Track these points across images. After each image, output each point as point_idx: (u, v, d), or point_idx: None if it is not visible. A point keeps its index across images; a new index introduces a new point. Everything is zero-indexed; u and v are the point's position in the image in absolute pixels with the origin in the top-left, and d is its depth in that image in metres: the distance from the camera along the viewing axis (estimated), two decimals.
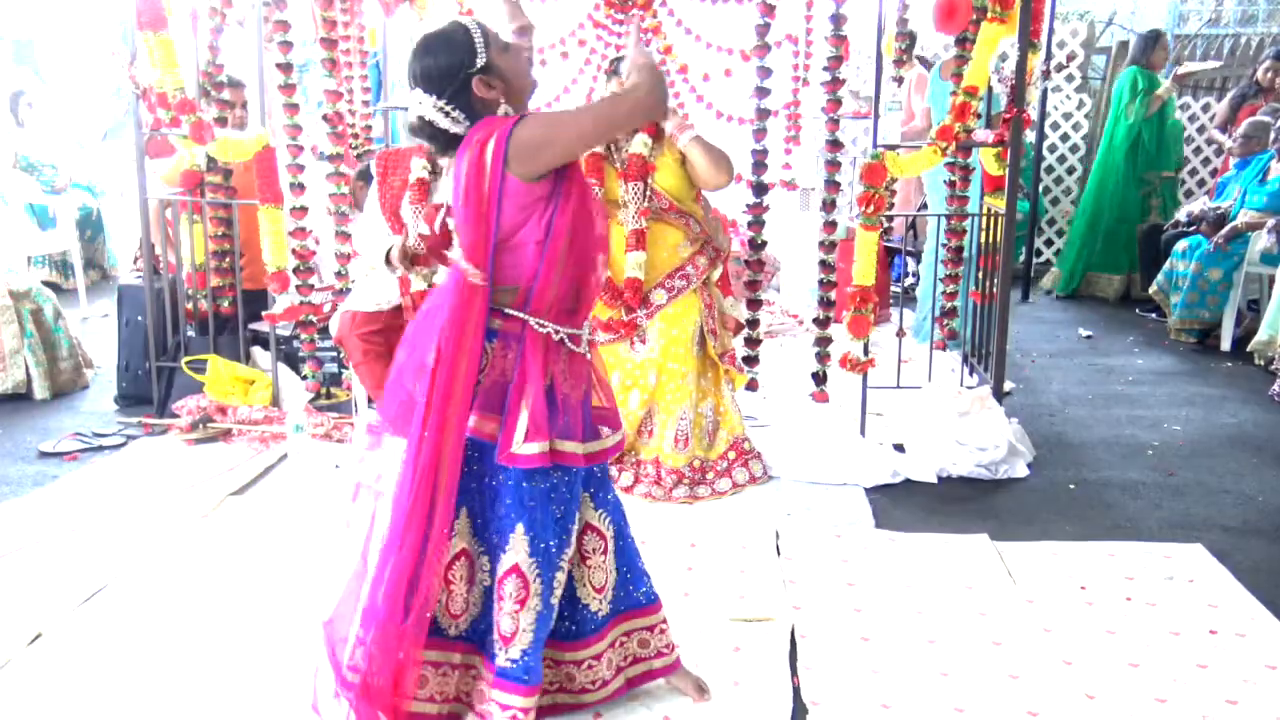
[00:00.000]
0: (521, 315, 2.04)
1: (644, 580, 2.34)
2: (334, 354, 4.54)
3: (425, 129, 2.05)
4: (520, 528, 2.07)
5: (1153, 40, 7.14)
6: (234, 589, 2.92)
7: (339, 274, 4.51)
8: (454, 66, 2.01)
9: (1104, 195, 7.23)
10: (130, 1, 4.11)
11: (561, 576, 2.15)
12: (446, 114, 2.03)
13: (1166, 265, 6.12)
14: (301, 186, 4.35)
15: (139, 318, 4.60)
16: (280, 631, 2.68)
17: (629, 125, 2.09)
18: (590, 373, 2.18)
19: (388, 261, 3.79)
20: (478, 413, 2.03)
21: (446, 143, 2.05)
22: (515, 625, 2.09)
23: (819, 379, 4.20)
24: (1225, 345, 5.76)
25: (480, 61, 2.02)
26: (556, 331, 2.07)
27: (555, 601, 2.15)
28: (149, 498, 3.55)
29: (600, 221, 2.14)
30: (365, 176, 5.01)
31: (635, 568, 2.33)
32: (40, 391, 4.67)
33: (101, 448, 4.08)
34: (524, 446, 2.01)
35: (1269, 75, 6.63)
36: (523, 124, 1.98)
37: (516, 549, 2.07)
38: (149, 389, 4.50)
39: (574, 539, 2.17)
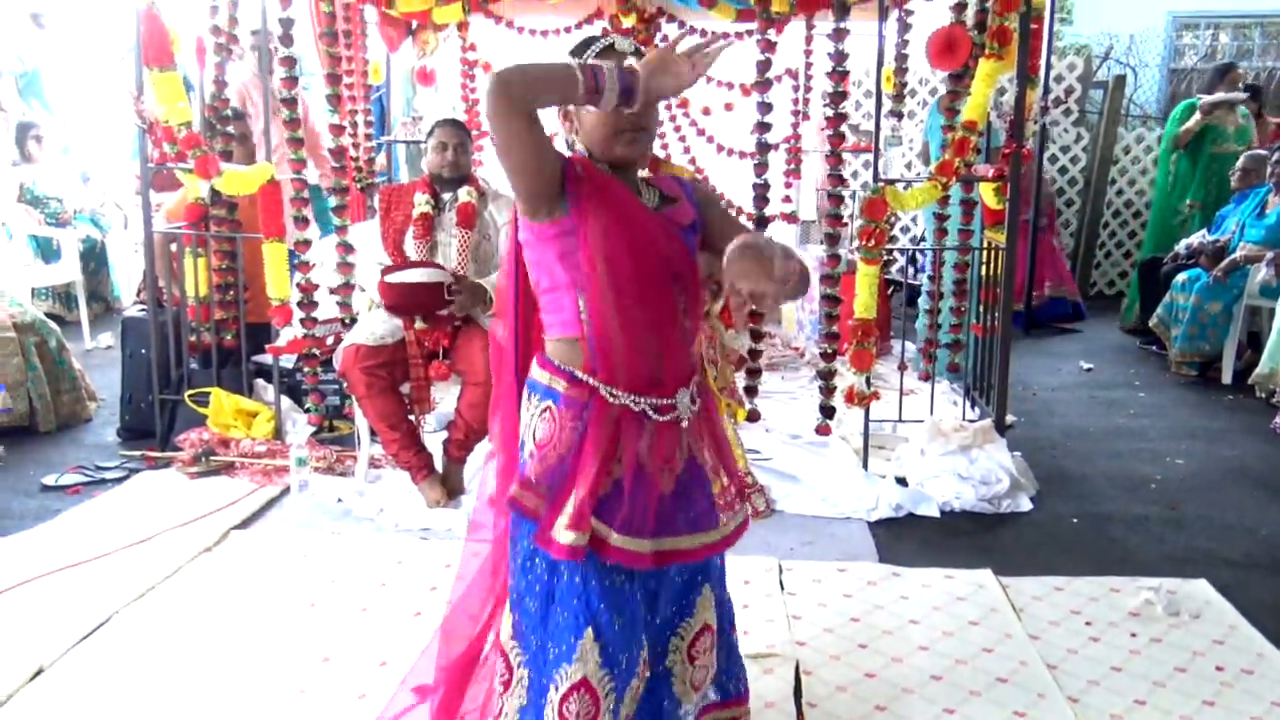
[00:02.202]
0: (591, 381, 1.76)
1: (739, 670, 2.12)
2: (337, 387, 4.55)
3: None
4: (590, 633, 1.73)
5: (1220, 73, 7.23)
6: (237, 624, 2.91)
7: (341, 305, 4.53)
8: None
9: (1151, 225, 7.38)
10: (137, 37, 4.15)
11: (637, 684, 1.81)
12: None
13: (1166, 298, 6.14)
14: (305, 220, 4.37)
15: (142, 350, 4.62)
16: (284, 668, 2.67)
17: (490, 112, 1.61)
18: (686, 449, 1.85)
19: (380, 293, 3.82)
20: (520, 482, 1.77)
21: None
22: None
23: (827, 413, 4.20)
24: (1226, 378, 5.77)
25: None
26: (636, 402, 1.77)
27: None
28: (151, 531, 3.54)
29: (653, 259, 1.77)
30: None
31: (734, 657, 2.10)
32: (44, 424, 4.67)
33: (104, 481, 4.08)
34: (564, 534, 1.70)
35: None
36: None
37: (585, 659, 1.73)
38: (152, 422, 4.50)
39: (643, 649, 1.83)
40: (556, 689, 1.74)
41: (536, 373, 1.82)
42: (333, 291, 4.51)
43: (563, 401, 1.76)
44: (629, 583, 1.79)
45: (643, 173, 1.90)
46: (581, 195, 1.73)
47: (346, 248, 4.45)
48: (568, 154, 1.82)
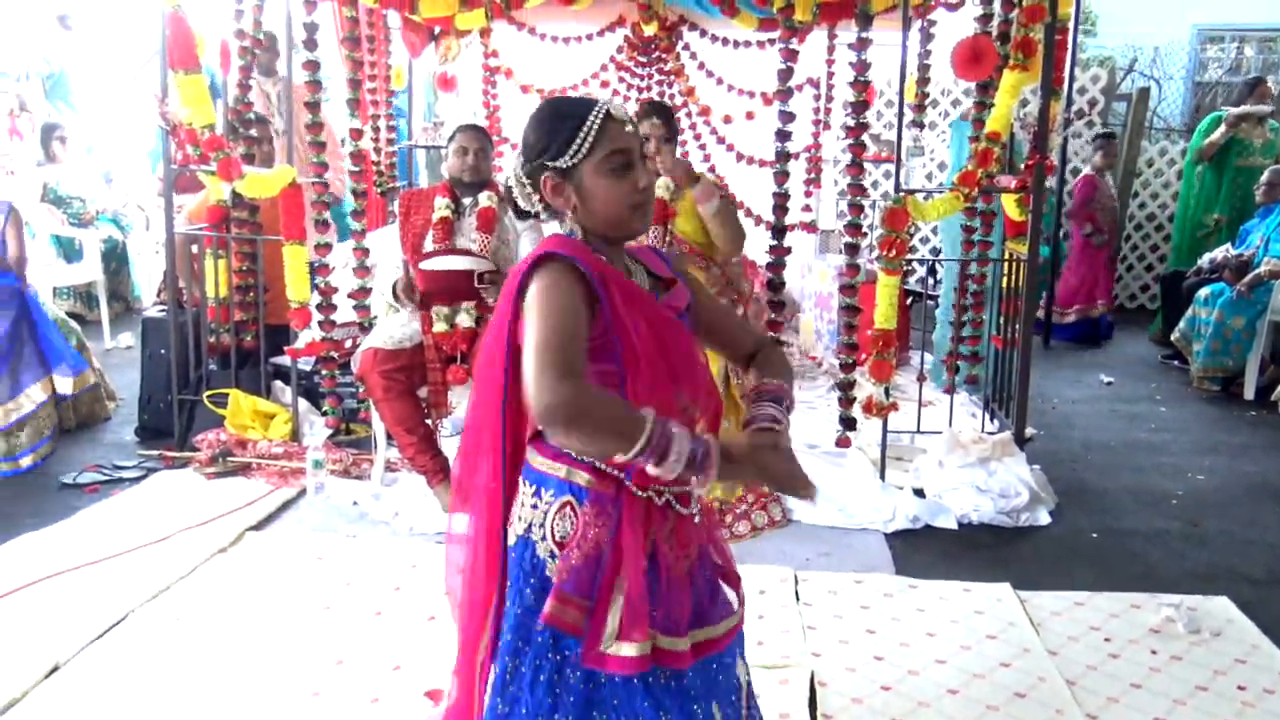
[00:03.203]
0: (617, 475, 1.62)
1: None
2: (354, 390, 4.56)
3: (506, 186, 1.75)
4: None
5: (1250, 86, 7.19)
6: (252, 625, 2.91)
7: (359, 308, 4.54)
8: (534, 148, 1.66)
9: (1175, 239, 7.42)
10: (162, 40, 4.18)
11: None
12: (520, 184, 1.68)
13: (1189, 312, 6.09)
14: (326, 224, 4.39)
15: (162, 351, 4.64)
16: (298, 670, 2.67)
17: (527, 384, 1.50)
18: (703, 540, 1.73)
19: (394, 295, 3.83)
20: (556, 597, 1.59)
21: (519, 209, 1.74)
22: None
23: (847, 424, 4.17)
24: (1249, 394, 5.71)
25: (566, 161, 1.63)
26: (660, 494, 1.64)
27: None
28: (168, 531, 3.55)
29: (676, 354, 1.65)
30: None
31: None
32: (64, 422, 4.69)
33: (121, 480, 4.10)
34: (618, 646, 1.56)
35: None
36: (539, 275, 1.59)
37: None
38: (170, 421, 4.52)
39: None
40: None
41: (545, 465, 1.66)
42: (350, 295, 4.52)
43: (590, 496, 1.62)
44: (676, 681, 1.65)
45: None
46: (607, 301, 1.60)
47: (364, 251, 4.47)
48: (554, 232, 1.72)
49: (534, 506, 1.66)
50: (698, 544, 1.70)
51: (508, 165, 1.77)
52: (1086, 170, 7.46)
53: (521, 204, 1.71)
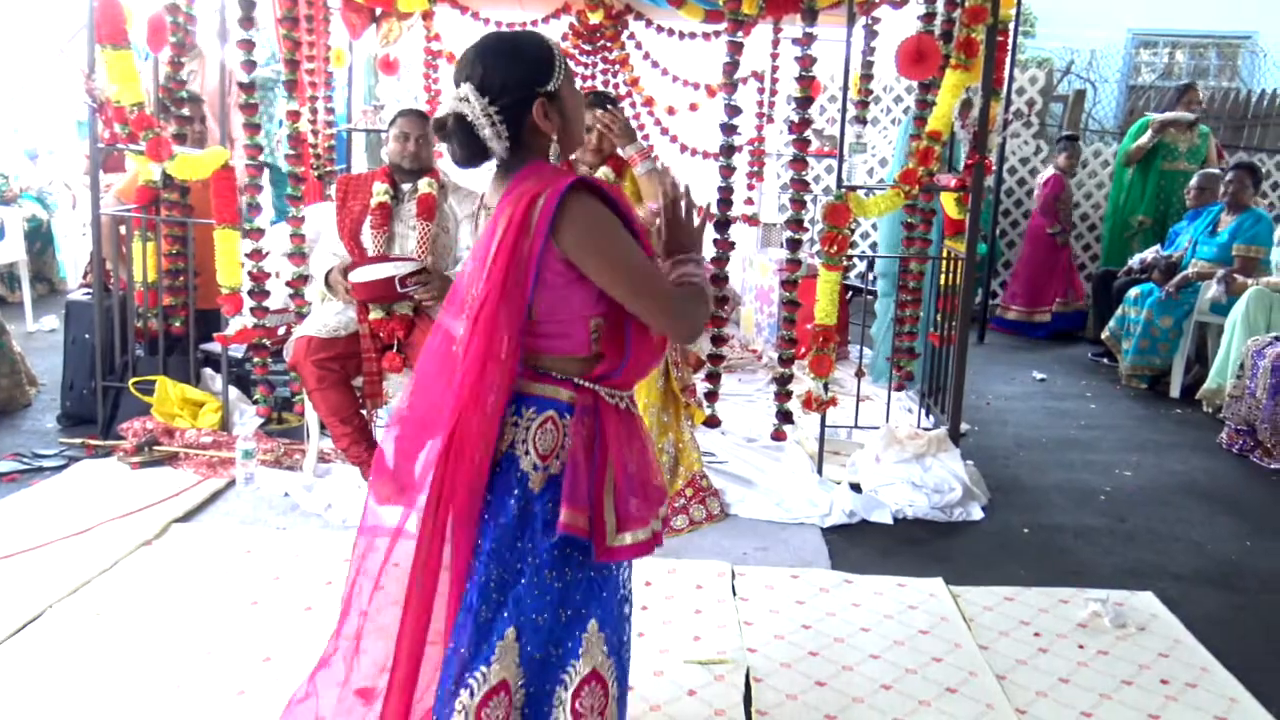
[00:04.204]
0: (594, 388, 1.79)
1: None
2: (286, 378, 4.46)
3: (457, 132, 1.76)
4: (594, 625, 1.79)
5: (1180, 92, 7.35)
6: (176, 621, 2.83)
7: (294, 296, 4.44)
8: (525, 79, 1.74)
9: (1105, 239, 7.57)
10: (90, 14, 4.04)
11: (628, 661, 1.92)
12: (492, 123, 1.74)
13: (1119, 311, 6.22)
14: (258, 207, 4.28)
15: (86, 335, 4.50)
16: (223, 668, 2.60)
17: (650, 318, 1.76)
18: (645, 430, 1.92)
19: (327, 284, 3.75)
20: (567, 505, 1.73)
21: (470, 154, 1.78)
22: None
23: (784, 417, 4.19)
24: (1174, 392, 5.86)
25: (553, 85, 1.76)
26: (623, 400, 1.84)
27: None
28: (90, 523, 3.44)
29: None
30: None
31: None
32: None
33: (42, 469, 3.96)
34: (620, 538, 1.76)
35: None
36: (579, 202, 1.70)
37: (591, 652, 1.78)
38: (94, 409, 4.39)
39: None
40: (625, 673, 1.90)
41: (528, 387, 1.78)
42: (288, 284, 4.42)
43: (574, 409, 1.78)
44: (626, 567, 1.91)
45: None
46: (630, 227, 1.79)
47: (300, 237, 4.37)
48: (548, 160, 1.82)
49: (514, 424, 1.78)
50: (645, 439, 1.89)
51: (452, 106, 1.75)
52: (1050, 170, 7.60)
53: (493, 143, 1.76)
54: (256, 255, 4.25)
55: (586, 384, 1.79)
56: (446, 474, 1.75)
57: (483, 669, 1.74)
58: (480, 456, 1.75)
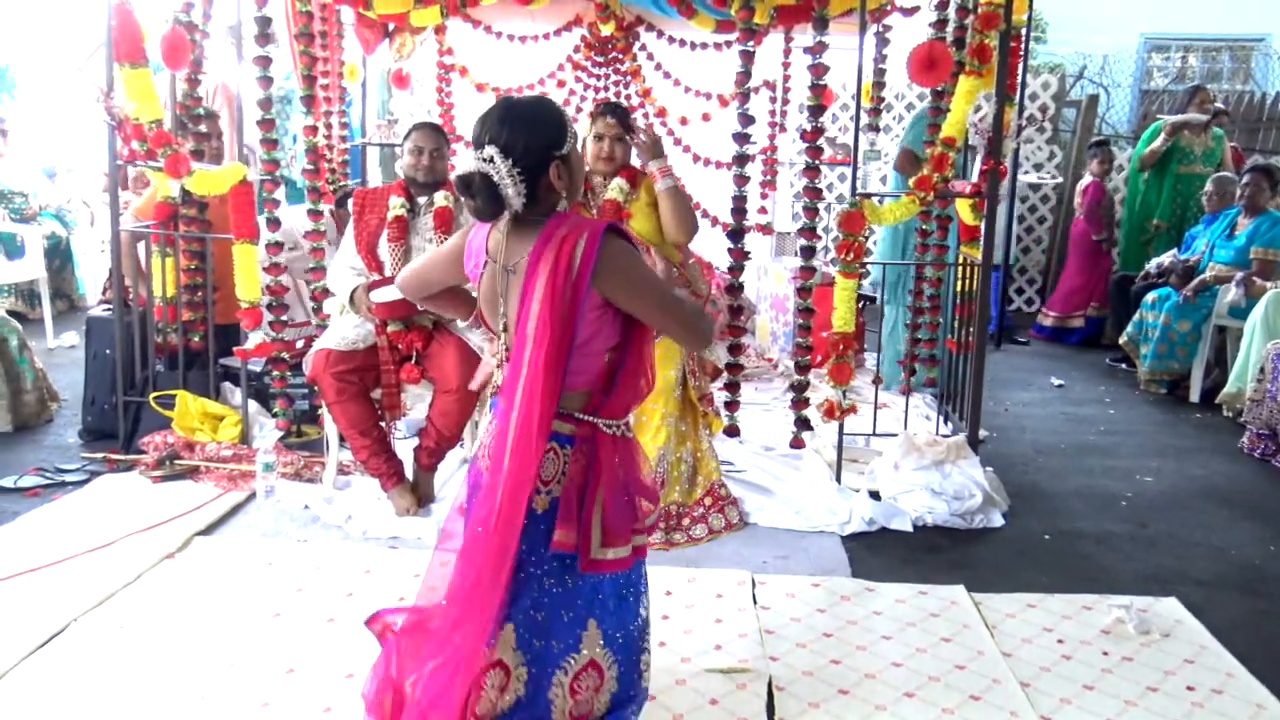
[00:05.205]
0: (593, 420, 2.06)
1: None
2: (305, 391, 4.48)
3: (480, 188, 1.97)
4: (593, 624, 2.11)
5: (1190, 94, 7.31)
6: (199, 634, 2.84)
7: (315, 310, 4.47)
8: (544, 144, 1.99)
9: (1121, 244, 7.54)
10: (108, 32, 4.08)
11: (647, 657, 2.25)
12: (515, 182, 1.96)
13: (1136, 316, 6.19)
14: (276, 222, 4.31)
15: (107, 350, 4.53)
16: (247, 680, 2.61)
17: (680, 333, 2.09)
18: (637, 450, 2.17)
19: (352, 302, 3.77)
20: (560, 525, 2.02)
21: (492, 209, 1.99)
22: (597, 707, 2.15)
23: (804, 425, 4.18)
24: (1194, 397, 5.82)
25: (566, 149, 2.02)
26: (619, 428, 2.09)
27: (641, 680, 2.24)
28: (112, 536, 3.46)
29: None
30: (344, 204, 5.01)
31: None
32: (2, 424, 4.57)
33: (64, 484, 3.99)
34: (602, 552, 2.04)
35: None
36: (615, 245, 1.97)
37: (590, 646, 2.11)
38: (115, 424, 4.42)
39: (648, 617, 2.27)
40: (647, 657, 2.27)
41: None
42: (312, 297, 4.44)
43: (575, 440, 2.04)
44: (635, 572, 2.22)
45: None
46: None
47: (321, 252, 4.40)
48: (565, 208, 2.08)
49: None
50: (637, 458, 2.15)
51: (477, 165, 1.93)
52: (1087, 177, 7.58)
53: (513, 200, 1.97)
54: (275, 270, 4.28)
55: (585, 417, 2.05)
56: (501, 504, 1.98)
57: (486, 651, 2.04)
58: (528, 487, 1.98)
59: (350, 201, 3.99)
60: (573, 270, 1.91)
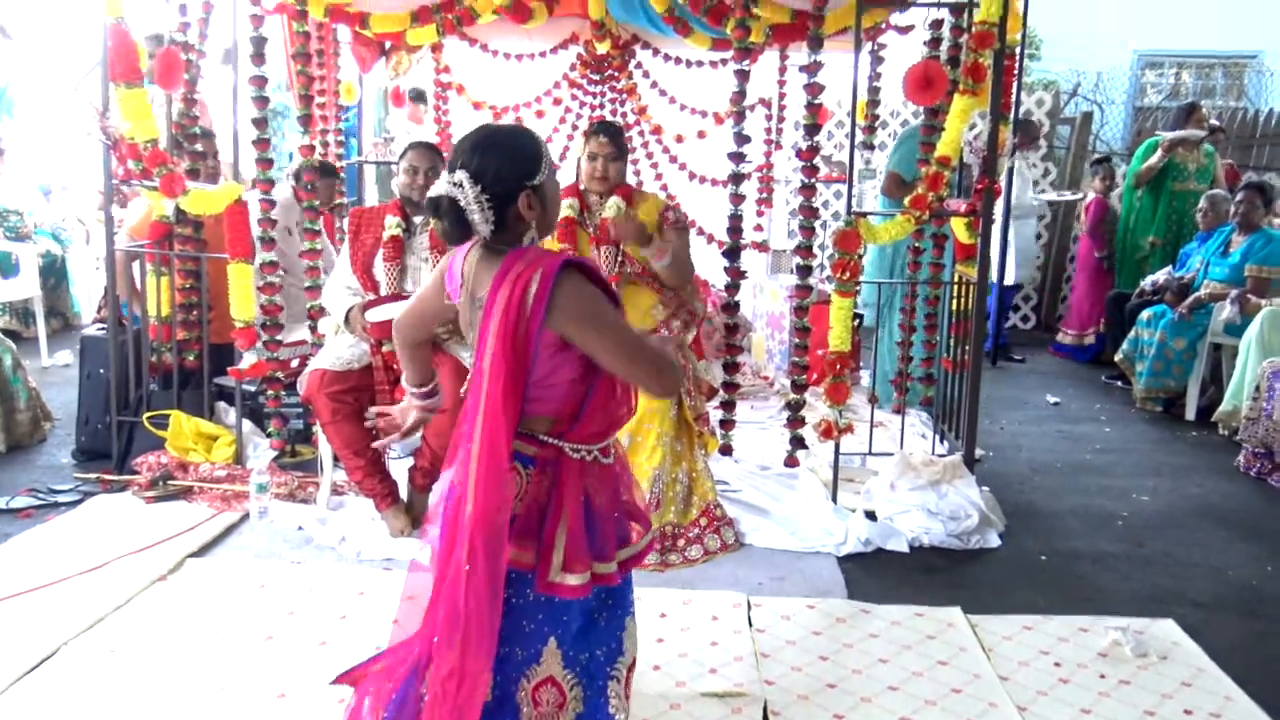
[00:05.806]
0: (558, 443, 2.01)
1: None
2: (300, 411, 4.47)
3: (448, 211, 1.96)
4: (553, 642, 2.03)
5: (1185, 112, 7.32)
6: (191, 657, 2.82)
7: (311, 328, 4.46)
8: (516, 173, 1.95)
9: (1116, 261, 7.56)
10: (104, 52, 4.09)
11: (616, 686, 2.11)
12: (482, 209, 1.93)
13: (1132, 334, 6.19)
14: (271, 241, 4.31)
15: (101, 370, 4.52)
16: (238, 704, 2.59)
17: (641, 380, 1.98)
18: (616, 476, 2.12)
19: (347, 321, 3.76)
20: (514, 542, 1.95)
21: (459, 234, 1.98)
22: None
23: (799, 443, 4.17)
24: (1190, 415, 5.82)
25: (539, 179, 1.97)
26: (590, 453, 2.03)
27: (609, 708, 2.10)
28: (105, 558, 3.44)
29: None
30: (330, 172, 5.01)
31: None
32: None
33: (57, 504, 3.97)
34: (562, 576, 1.97)
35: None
36: (571, 284, 1.89)
37: (548, 662, 2.04)
38: (108, 444, 4.40)
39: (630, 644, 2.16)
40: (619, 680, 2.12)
41: None
42: (309, 314, 4.44)
43: (536, 461, 1.99)
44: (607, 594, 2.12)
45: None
46: (614, 302, 2.02)
47: (316, 270, 4.39)
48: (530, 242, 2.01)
49: None
50: (615, 481, 2.10)
51: (446, 190, 1.94)
52: (1090, 194, 7.60)
53: (479, 226, 1.94)
54: (269, 289, 4.27)
55: (550, 440, 2.00)
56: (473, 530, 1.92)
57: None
58: (505, 512, 1.91)
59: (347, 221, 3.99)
60: (525, 309, 1.87)
